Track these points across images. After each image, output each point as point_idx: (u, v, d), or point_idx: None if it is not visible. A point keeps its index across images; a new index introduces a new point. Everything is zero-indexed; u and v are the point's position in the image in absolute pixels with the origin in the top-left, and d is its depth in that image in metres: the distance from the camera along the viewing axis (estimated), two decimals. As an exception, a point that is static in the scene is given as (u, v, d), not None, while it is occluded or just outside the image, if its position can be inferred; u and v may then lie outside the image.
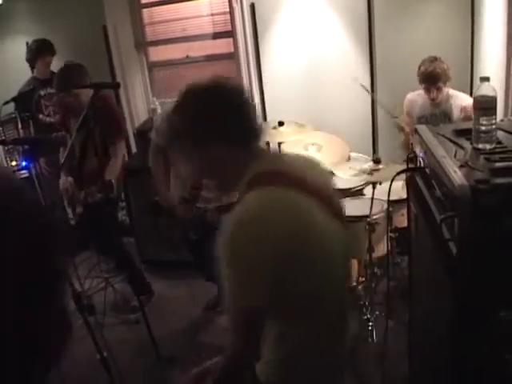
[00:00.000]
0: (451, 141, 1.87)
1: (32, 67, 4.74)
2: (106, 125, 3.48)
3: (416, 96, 3.88)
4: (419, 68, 3.63)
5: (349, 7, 4.30)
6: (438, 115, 3.74)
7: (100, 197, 3.51)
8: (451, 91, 3.72)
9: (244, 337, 1.46)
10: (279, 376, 1.61)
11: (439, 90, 3.63)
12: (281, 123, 3.84)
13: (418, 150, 2.06)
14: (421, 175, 2.05)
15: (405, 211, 3.17)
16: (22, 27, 5.19)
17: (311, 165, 1.69)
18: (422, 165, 2.02)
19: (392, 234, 3.59)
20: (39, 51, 4.63)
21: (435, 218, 1.77)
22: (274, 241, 1.38)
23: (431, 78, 3.58)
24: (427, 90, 3.66)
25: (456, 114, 3.67)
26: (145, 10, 5.08)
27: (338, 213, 1.60)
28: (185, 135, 1.54)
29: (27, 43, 4.74)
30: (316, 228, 1.47)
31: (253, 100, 1.53)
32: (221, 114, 1.50)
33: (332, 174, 1.78)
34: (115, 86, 3.16)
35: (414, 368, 2.54)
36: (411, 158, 2.14)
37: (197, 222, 3.24)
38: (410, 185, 2.19)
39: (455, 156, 1.71)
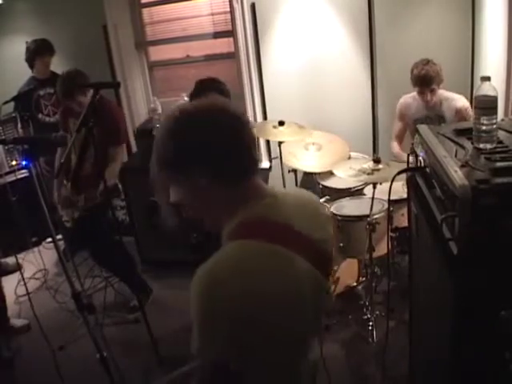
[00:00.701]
0: (452, 140, 1.87)
1: (31, 67, 4.74)
2: (106, 128, 3.47)
3: (410, 99, 3.88)
4: (412, 71, 3.63)
5: (349, 6, 4.29)
6: (432, 118, 3.73)
7: (100, 200, 3.50)
8: (445, 93, 3.71)
9: None
10: None
11: (433, 92, 3.63)
12: (281, 123, 3.85)
13: (419, 150, 2.06)
14: (421, 175, 2.05)
15: (405, 211, 3.17)
16: (21, 27, 5.18)
17: (310, 210, 1.51)
18: (423, 164, 2.02)
19: (392, 234, 3.59)
20: (38, 51, 4.64)
21: (436, 217, 1.77)
22: (240, 301, 1.23)
23: (425, 81, 3.58)
24: (421, 93, 3.67)
25: (450, 116, 3.66)
26: (145, 10, 5.07)
27: (323, 266, 1.45)
28: (169, 162, 1.33)
29: (27, 43, 4.74)
30: (291, 290, 1.32)
31: (253, 127, 1.28)
32: (210, 144, 1.30)
33: (329, 217, 1.58)
34: (115, 86, 3.16)
35: (415, 368, 2.54)
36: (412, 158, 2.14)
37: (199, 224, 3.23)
38: (411, 184, 2.19)
39: (456, 156, 1.71)
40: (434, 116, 3.73)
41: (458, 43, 4.04)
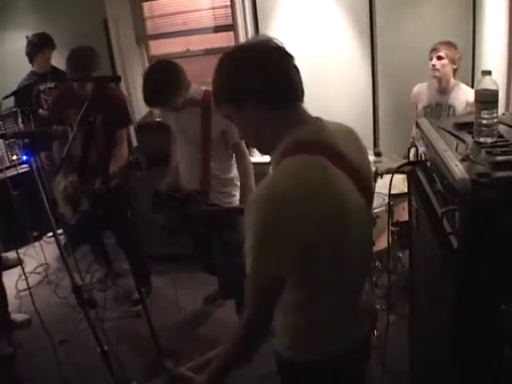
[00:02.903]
0: (452, 134, 1.86)
1: (31, 61, 4.72)
2: (113, 112, 3.52)
3: (423, 87, 3.91)
4: None
5: (351, 2, 4.28)
6: (443, 105, 3.75)
7: (116, 182, 3.57)
8: (460, 84, 3.74)
9: (258, 303, 1.44)
10: (293, 344, 1.65)
11: (440, 59, 3.67)
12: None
13: (419, 144, 2.05)
14: (422, 169, 2.04)
15: (406, 205, 3.18)
16: (22, 21, 5.18)
17: (352, 139, 1.63)
18: (424, 158, 2.02)
19: (393, 228, 3.59)
20: (39, 45, 4.62)
21: (436, 211, 1.77)
22: (301, 210, 1.35)
23: (436, 46, 3.67)
24: (431, 60, 3.72)
25: (461, 106, 3.67)
26: (145, 4, 5.06)
27: (367, 193, 1.57)
28: (224, 95, 1.50)
29: (27, 37, 4.73)
30: (344, 202, 1.43)
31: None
32: (258, 73, 1.43)
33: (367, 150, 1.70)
34: (116, 80, 3.14)
35: (415, 363, 2.54)
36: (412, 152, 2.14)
37: (207, 216, 3.22)
38: (411, 178, 2.19)
39: (456, 149, 1.71)
40: (445, 104, 3.74)
41: (458, 37, 4.03)
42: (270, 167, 1.55)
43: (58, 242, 2.60)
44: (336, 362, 1.63)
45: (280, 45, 1.50)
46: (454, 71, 3.70)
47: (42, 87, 4.75)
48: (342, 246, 1.46)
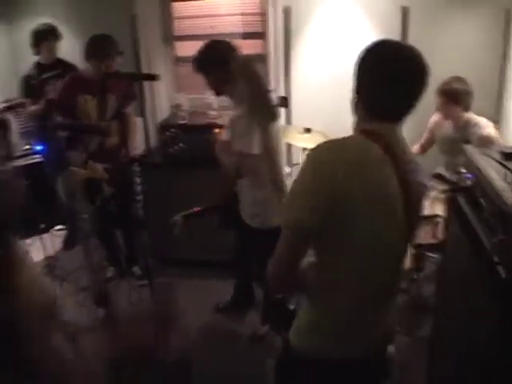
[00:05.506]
0: (501, 163, 1.86)
1: (37, 52, 4.56)
2: (124, 91, 3.70)
3: (441, 118, 3.86)
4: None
5: (383, 17, 4.29)
6: (458, 140, 3.71)
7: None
8: (475, 118, 3.67)
9: (286, 246, 1.52)
10: (302, 333, 1.70)
11: (448, 105, 3.61)
12: (307, 130, 3.84)
13: (464, 170, 2.04)
14: (464, 195, 2.04)
15: (428, 228, 3.16)
16: (47, 9, 5.14)
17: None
18: (468, 185, 2.01)
19: (414, 250, 3.57)
20: (43, 35, 4.48)
21: (481, 239, 1.76)
22: (340, 168, 1.43)
23: (439, 87, 3.58)
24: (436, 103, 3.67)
25: (474, 141, 3.63)
26: (175, 4, 5.06)
27: (411, 219, 1.57)
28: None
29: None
30: (388, 199, 1.49)
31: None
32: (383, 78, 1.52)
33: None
34: (153, 78, 3.11)
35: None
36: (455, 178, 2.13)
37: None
38: (452, 204, 2.18)
39: (505, 178, 1.71)
40: (461, 138, 3.70)
41: (491, 50, 4.04)
42: None
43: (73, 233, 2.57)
44: (332, 364, 1.65)
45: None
46: (464, 108, 3.66)
47: (45, 76, 4.54)
48: (372, 231, 1.49)
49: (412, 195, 1.55)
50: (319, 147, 1.50)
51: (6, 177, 0.59)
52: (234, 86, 2.86)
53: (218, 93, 3.08)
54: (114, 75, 3.44)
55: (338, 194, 1.43)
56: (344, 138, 1.53)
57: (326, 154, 1.48)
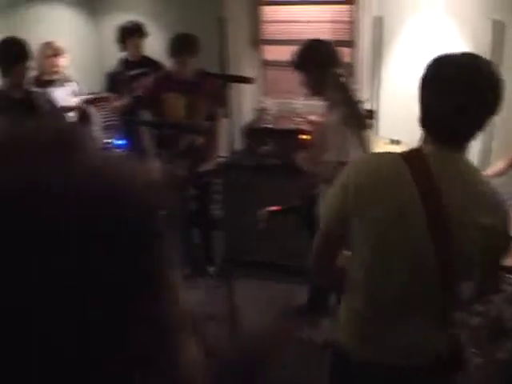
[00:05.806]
0: None
1: (123, 49, 4.65)
2: (212, 92, 3.80)
3: None
4: None
5: (476, 33, 4.14)
6: None
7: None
8: None
9: (318, 253, 1.72)
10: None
11: None
12: (396, 141, 3.75)
13: None
14: None
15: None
16: (133, 6, 5.24)
17: (476, 202, 1.50)
18: None
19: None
20: (129, 32, 4.56)
21: None
22: (352, 184, 1.56)
23: None
24: None
25: None
26: (264, 8, 5.06)
27: (445, 240, 1.48)
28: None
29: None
30: (401, 203, 1.52)
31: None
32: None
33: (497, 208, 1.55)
34: (248, 81, 3.12)
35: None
36: None
37: None
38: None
39: None
40: None
41: None
42: None
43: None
44: (359, 367, 1.69)
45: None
46: None
47: (132, 73, 4.63)
48: (389, 236, 1.54)
49: (450, 221, 1.46)
50: (351, 162, 1.74)
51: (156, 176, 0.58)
52: (330, 90, 2.80)
53: (314, 93, 2.99)
54: (208, 75, 3.46)
55: (346, 209, 1.57)
56: (375, 154, 1.78)
57: (349, 169, 1.64)
